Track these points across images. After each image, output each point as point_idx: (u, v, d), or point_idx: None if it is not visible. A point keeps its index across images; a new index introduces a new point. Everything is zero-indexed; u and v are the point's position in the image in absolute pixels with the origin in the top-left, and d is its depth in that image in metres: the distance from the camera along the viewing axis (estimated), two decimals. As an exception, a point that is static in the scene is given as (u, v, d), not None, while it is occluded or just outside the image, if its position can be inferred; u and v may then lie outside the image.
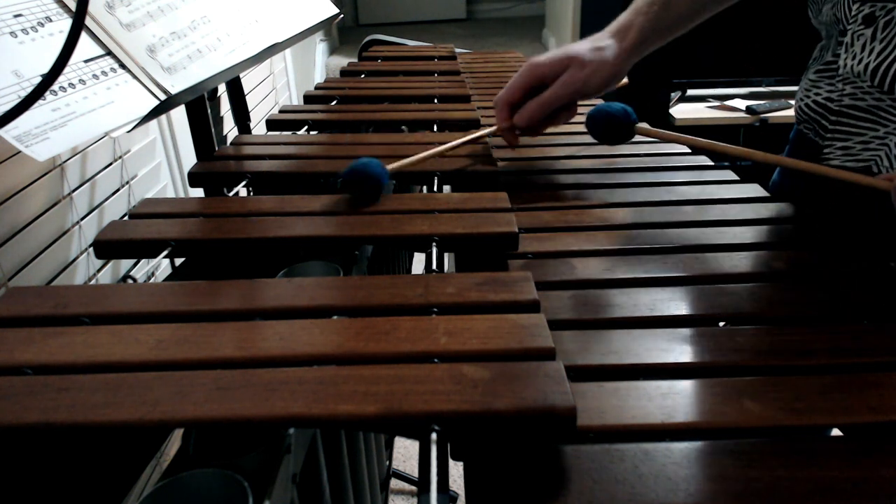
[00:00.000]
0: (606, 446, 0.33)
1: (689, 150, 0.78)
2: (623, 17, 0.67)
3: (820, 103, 0.64)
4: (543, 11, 3.53)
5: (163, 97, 0.63)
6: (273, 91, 2.05)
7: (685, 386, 0.37)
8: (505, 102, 0.68)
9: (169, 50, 0.67)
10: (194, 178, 0.67)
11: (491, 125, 0.89)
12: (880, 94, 0.59)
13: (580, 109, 0.74)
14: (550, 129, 0.87)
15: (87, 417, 0.31)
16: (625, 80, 0.74)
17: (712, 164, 0.74)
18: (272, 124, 0.85)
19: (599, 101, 0.70)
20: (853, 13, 0.59)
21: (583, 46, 0.65)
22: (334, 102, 0.96)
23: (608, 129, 0.70)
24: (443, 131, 0.83)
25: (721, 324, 0.44)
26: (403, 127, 0.87)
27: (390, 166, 0.60)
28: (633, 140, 0.83)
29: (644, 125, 0.70)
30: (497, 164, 0.69)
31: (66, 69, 0.49)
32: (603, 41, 0.66)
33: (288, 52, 2.22)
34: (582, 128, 0.87)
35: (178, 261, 0.56)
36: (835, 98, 0.62)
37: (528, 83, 0.66)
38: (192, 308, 0.41)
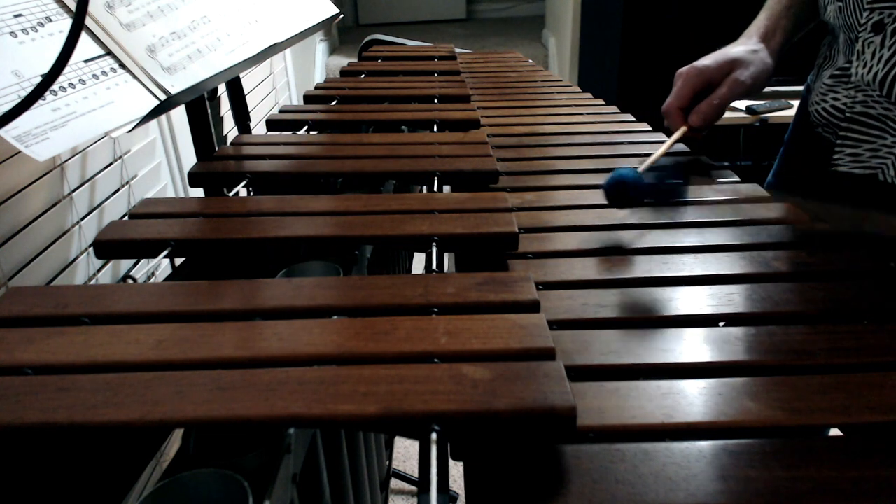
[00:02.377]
0: (606, 446, 0.33)
1: (689, 150, 0.78)
2: (765, 22, 0.72)
3: (837, 108, 0.64)
4: (543, 11, 3.53)
5: (163, 97, 0.63)
6: (273, 91, 2.05)
7: (685, 386, 0.37)
8: (677, 108, 0.70)
9: (169, 50, 0.67)
10: (194, 178, 0.67)
11: (492, 124, 0.89)
12: (889, 104, 0.59)
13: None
14: (552, 130, 0.87)
15: (87, 417, 0.31)
16: None
17: (712, 164, 0.74)
18: (272, 124, 0.85)
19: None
20: (863, 20, 0.59)
21: (741, 49, 0.69)
22: (334, 102, 0.96)
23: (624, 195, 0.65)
24: (443, 131, 0.83)
25: (721, 324, 0.44)
26: (403, 127, 0.87)
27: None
28: (634, 140, 0.83)
29: (646, 164, 0.65)
30: (497, 164, 0.69)
31: (66, 69, 0.49)
32: (755, 45, 0.70)
33: (288, 52, 2.21)
34: (582, 128, 0.88)
35: (178, 261, 0.56)
36: (848, 104, 0.62)
37: (697, 87, 0.68)
38: (192, 308, 0.41)
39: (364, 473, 0.56)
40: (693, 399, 0.36)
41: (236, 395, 0.32)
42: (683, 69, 0.69)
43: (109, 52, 0.62)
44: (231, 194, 0.64)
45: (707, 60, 0.69)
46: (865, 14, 0.59)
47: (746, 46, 0.70)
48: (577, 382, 0.37)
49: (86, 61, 0.59)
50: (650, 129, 0.88)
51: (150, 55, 0.65)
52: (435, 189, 0.65)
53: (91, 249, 0.87)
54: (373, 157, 0.70)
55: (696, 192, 0.66)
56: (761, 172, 0.79)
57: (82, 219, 0.97)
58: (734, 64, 0.68)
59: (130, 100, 0.60)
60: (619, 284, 0.49)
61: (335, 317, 0.40)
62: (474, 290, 0.42)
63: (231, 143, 0.76)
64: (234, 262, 0.55)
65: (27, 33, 0.55)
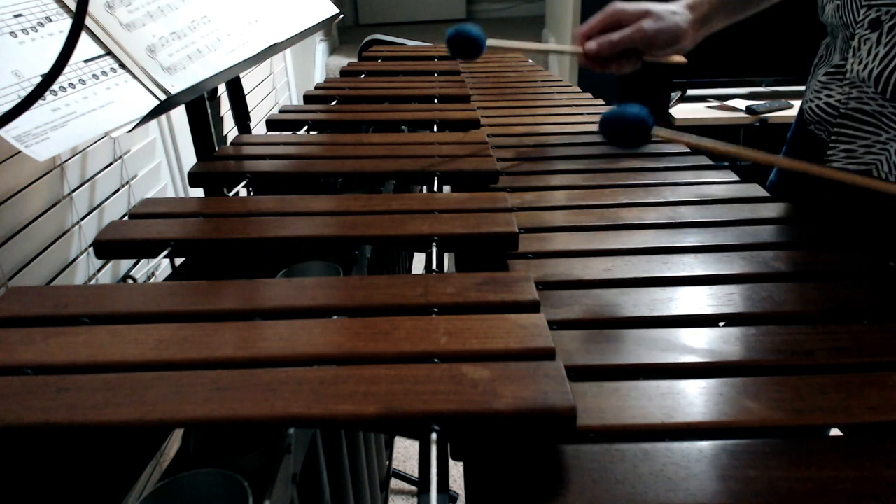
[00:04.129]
0: (606, 446, 0.33)
1: (689, 150, 0.78)
2: None
3: (832, 105, 0.64)
4: (543, 11, 3.53)
5: (163, 97, 0.63)
6: (273, 91, 2.05)
7: (685, 386, 0.37)
8: (582, 35, 0.73)
9: (169, 50, 0.67)
10: (194, 178, 0.67)
11: (492, 124, 0.89)
12: (884, 101, 0.59)
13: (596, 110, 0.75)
14: (552, 130, 0.87)
15: (87, 417, 0.31)
16: (682, 58, 0.78)
17: (712, 163, 0.74)
18: (272, 124, 0.85)
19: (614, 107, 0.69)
20: (860, 17, 0.59)
21: (662, 7, 0.72)
22: (334, 102, 0.96)
23: (624, 133, 0.68)
24: (443, 131, 0.83)
25: (721, 324, 0.44)
26: (403, 127, 0.87)
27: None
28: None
29: (662, 130, 0.69)
30: (497, 163, 0.69)
31: (66, 69, 0.49)
32: (678, 8, 0.72)
33: (288, 52, 2.21)
34: (582, 128, 0.88)
35: (178, 261, 0.55)
36: (842, 101, 0.62)
37: (606, 22, 0.72)
38: (192, 308, 0.41)
39: (364, 473, 0.56)
40: (693, 399, 0.36)
41: (236, 395, 0.32)
42: (611, 5, 0.73)
43: (109, 52, 0.62)
44: (231, 194, 0.64)
45: (628, 4, 0.72)
46: (863, 11, 0.59)
47: (669, 6, 0.73)
48: (577, 382, 0.37)
49: (86, 61, 0.59)
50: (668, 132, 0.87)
51: (150, 55, 0.65)
52: (435, 189, 0.65)
53: (91, 249, 0.87)
54: (373, 157, 0.70)
55: (696, 191, 0.66)
56: (761, 172, 0.79)
57: (82, 219, 0.97)
58: (647, 14, 0.71)
59: (130, 100, 0.60)
60: (619, 284, 0.49)
61: (335, 317, 0.40)
62: (474, 290, 0.42)
63: (231, 143, 0.76)
64: (234, 262, 0.55)
65: (27, 33, 0.55)
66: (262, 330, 0.38)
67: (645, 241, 0.56)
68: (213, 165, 0.69)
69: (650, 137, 0.64)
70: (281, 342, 0.37)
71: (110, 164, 1.06)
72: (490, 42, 0.75)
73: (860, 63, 0.60)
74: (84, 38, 0.60)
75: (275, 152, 0.72)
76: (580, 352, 0.41)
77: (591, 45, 0.72)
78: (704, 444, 0.33)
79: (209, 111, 0.80)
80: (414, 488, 1.43)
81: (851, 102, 0.62)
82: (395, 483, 1.42)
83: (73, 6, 0.60)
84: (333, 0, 1.16)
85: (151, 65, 0.64)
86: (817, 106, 0.66)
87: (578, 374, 0.38)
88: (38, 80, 0.47)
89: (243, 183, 0.65)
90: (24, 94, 0.49)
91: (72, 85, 0.55)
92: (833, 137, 0.64)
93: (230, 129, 1.00)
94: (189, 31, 0.72)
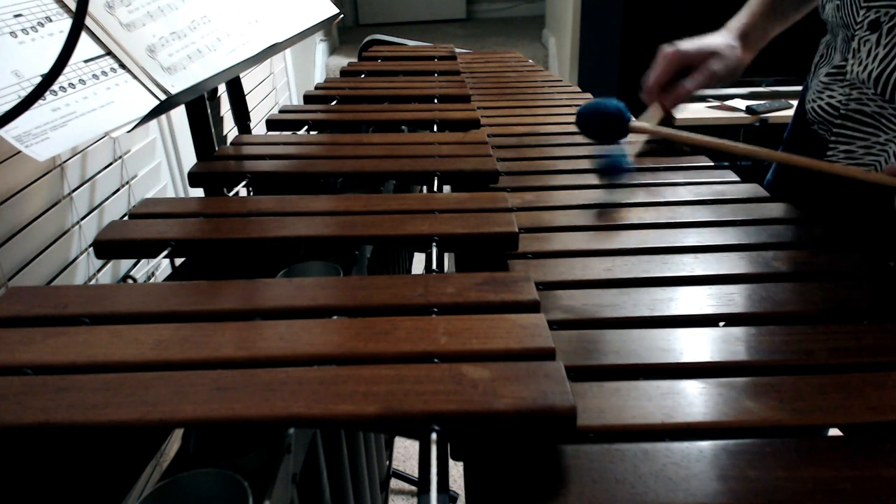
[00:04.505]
0: (606, 446, 0.33)
1: (689, 150, 0.78)
2: (745, 20, 0.76)
3: (833, 105, 0.64)
4: (543, 11, 3.53)
5: (163, 97, 0.63)
6: (273, 91, 2.05)
7: (685, 386, 0.37)
8: (656, 85, 0.74)
9: (169, 50, 0.67)
10: (194, 178, 0.67)
11: (492, 124, 0.90)
12: (883, 102, 0.59)
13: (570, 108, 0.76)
14: (552, 129, 0.87)
15: (86, 417, 0.31)
16: None
17: (712, 164, 0.74)
18: (272, 124, 0.85)
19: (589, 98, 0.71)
20: (860, 18, 0.59)
21: (720, 42, 0.73)
22: (334, 102, 0.96)
23: (601, 126, 0.70)
24: (443, 131, 0.83)
25: (721, 324, 0.44)
26: (403, 127, 0.87)
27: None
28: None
29: (638, 123, 0.71)
30: (497, 164, 0.69)
31: (66, 69, 0.49)
32: (732, 40, 0.74)
33: (288, 52, 2.21)
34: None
35: (178, 261, 0.55)
36: (843, 102, 0.63)
37: (672, 68, 0.72)
38: (192, 308, 0.41)
39: (364, 473, 0.56)
40: (693, 399, 0.36)
41: (236, 395, 0.32)
42: (667, 48, 0.73)
43: (109, 52, 0.62)
44: (231, 194, 0.64)
45: (689, 45, 0.72)
46: (862, 12, 0.59)
47: (725, 40, 0.74)
48: (577, 382, 0.37)
49: (86, 61, 0.59)
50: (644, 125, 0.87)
51: (150, 55, 0.65)
52: (435, 189, 0.65)
53: (91, 249, 0.87)
54: (373, 157, 0.70)
55: (696, 191, 0.66)
56: (761, 172, 0.80)
57: (82, 219, 0.97)
58: (712, 55, 0.72)
59: (130, 100, 0.60)
60: (619, 284, 0.49)
61: (335, 317, 0.40)
62: (474, 290, 0.42)
63: (231, 143, 0.76)
64: (234, 262, 0.55)
65: (27, 33, 0.55)
66: (262, 330, 0.38)
67: (645, 241, 0.56)
68: (213, 165, 0.69)
69: (627, 131, 0.65)
70: (281, 342, 0.37)
71: (110, 164, 1.06)
72: (634, 124, 0.73)
73: (860, 64, 0.60)
74: (84, 38, 0.60)
75: (275, 152, 0.72)
76: (580, 352, 0.41)
77: (669, 100, 0.73)
78: (704, 444, 0.33)
79: (209, 111, 0.80)
80: (414, 488, 1.43)
81: (851, 103, 0.62)
82: (395, 483, 1.42)
83: (73, 6, 0.60)
84: (333, 0, 1.16)
85: (151, 65, 0.64)
86: (819, 106, 0.67)
87: (578, 374, 0.38)
88: (38, 80, 0.47)
89: (243, 183, 0.65)
90: (24, 94, 0.49)
91: (72, 85, 0.55)
92: (833, 138, 0.64)
93: (230, 129, 1.00)
94: (189, 31, 0.72)
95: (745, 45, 0.74)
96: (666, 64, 0.73)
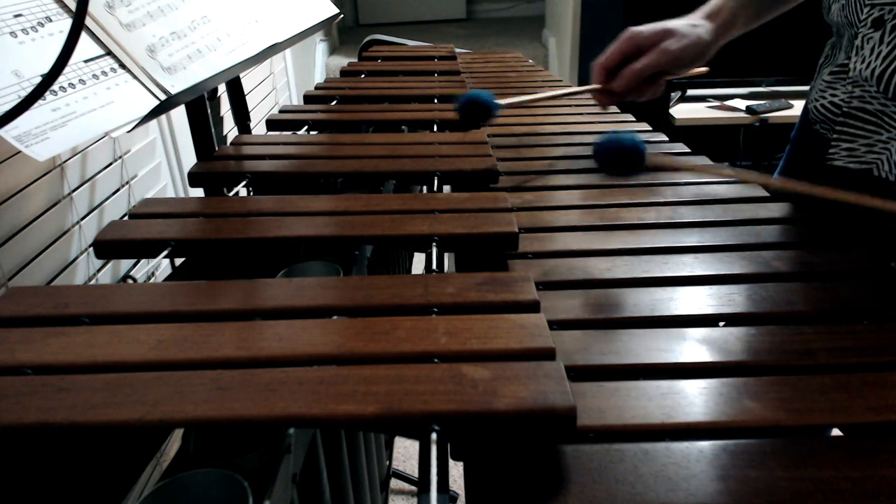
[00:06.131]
0: (606, 446, 0.33)
1: (689, 150, 0.78)
2: (717, 2, 0.72)
3: (835, 104, 0.64)
4: (543, 11, 3.53)
5: (163, 97, 0.63)
6: (273, 91, 2.05)
7: (685, 386, 0.37)
8: (602, 66, 0.70)
9: (169, 50, 0.67)
10: (194, 178, 0.67)
11: (492, 124, 0.90)
12: (885, 100, 0.59)
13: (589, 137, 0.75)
14: (552, 129, 0.87)
15: (86, 417, 0.31)
16: (705, 68, 0.76)
17: (712, 164, 0.74)
18: (272, 124, 0.85)
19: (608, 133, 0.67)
20: (863, 16, 0.59)
21: (680, 22, 0.69)
22: (334, 102, 0.96)
23: (618, 161, 0.66)
24: (443, 131, 0.83)
25: (721, 324, 0.44)
26: (403, 127, 0.87)
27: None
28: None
29: (657, 156, 0.66)
30: (497, 163, 0.69)
31: (66, 69, 0.49)
32: (698, 21, 0.70)
33: (288, 52, 2.21)
34: (582, 128, 0.88)
35: (178, 261, 0.55)
36: (845, 100, 0.62)
37: (625, 50, 0.69)
38: (192, 308, 0.41)
39: (364, 473, 0.56)
40: (693, 399, 0.36)
41: (236, 395, 0.32)
42: (626, 30, 0.69)
43: (109, 52, 0.62)
44: (231, 194, 0.64)
45: (644, 27, 0.69)
46: (866, 10, 0.59)
47: (687, 20, 0.70)
48: (577, 382, 0.37)
49: (86, 61, 0.59)
50: (650, 128, 0.88)
51: (150, 55, 0.65)
52: (435, 189, 0.65)
53: (91, 249, 0.87)
54: (373, 157, 0.70)
55: (696, 191, 0.66)
56: (761, 172, 0.80)
57: (82, 219, 0.97)
58: (667, 34, 0.68)
59: (130, 100, 0.60)
60: (619, 284, 0.49)
61: (335, 317, 0.40)
62: (474, 290, 0.42)
63: (231, 143, 0.76)
64: (234, 262, 0.55)
65: (27, 33, 0.55)
66: (262, 330, 0.38)
67: (645, 241, 0.56)
68: (213, 165, 0.69)
69: (644, 165, 0.61)
70: (281, 342, 0.37)
71: (110, 164, 1.06)
72: (504, 101, 0.72)
73: (863, 62, 0.60)
74: (84, 38, 0.60)
75: (275, 152, 0.72)
76: (580, 352, 0.41)
77: (617, 83, 0.69)
78: (704, 444, 0.33)
79: (209, 111, 0.80)
80: (414, 488, 1.43)
81: (854, 101, 0.62)
82: (395, 483, 1.42)
83: (73, 6, 0.60)
84: (333, 0, 1.16)
85: (151, 65, 0.64)
86: (822, 105, 0.66)
87: (578, 374, 0.38)
88: (38, 80, 0.47)
89: (243, 183, 0.65)
90: (24, 94, 0.49)
91: (72, 85, 0.55)
92: (835, 136, 0.64)
93: (230, 129, 1.00)
94: (189, 31, 0.72)
95: (713, 24, 0.70)
96: (617, 45, 0.69)
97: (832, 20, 0.67)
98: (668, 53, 0.67)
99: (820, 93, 0.67)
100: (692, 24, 0.69)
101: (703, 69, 0.76)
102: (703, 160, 0.75)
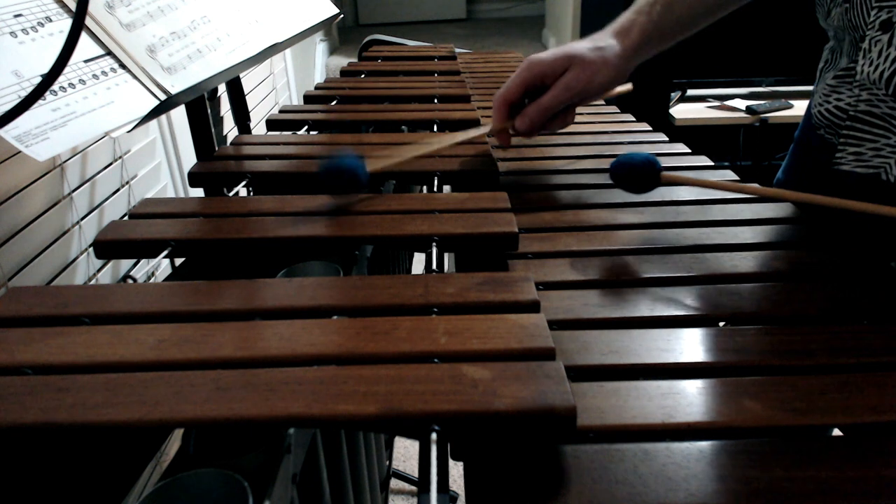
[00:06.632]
0: (606, 446, 0.33)
1: (689, 151, 0.78)
2: (625, 17, 0.66)
3: (841, 108, 0.63)
4: (543, 11, 3.53)
5: (163, 97, 0.63)
6: (273, 91, 2.05)
7: (685, 386, 0.37)
8: (503, 101, 0.66)
9: (169, 50, 0.67)
10: (194, 178, 0.67)
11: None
12: (894, 103, 0.59)
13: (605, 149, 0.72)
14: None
15: (87, 417, 0.31)
16: (628, 85, 0.72)
17: (712, 164, 0.74)
18: (272, 124, 0.85)
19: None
20: (871, 19, 0.58)
21: (583, 46, 0.64)
22: (334, 102, 0.96)
23: (631, 179, 0.62)
24: (443, 131, 0.83)
25: (721, 324, 0.44)
26: (403, 127, 0.87)
27: (370, 167, 0.57)
28: (634, 140, 0.83)
29: (671, 174, 0.62)
30: (497, 164, 0.69)
31: (67, 69, 0.49)
32: (604, 41, 0.64)
33: (288, 52, 2.22)
34: (582, 128, 0.88)
35: (178, 261, 0.55)
36: (852, 104, 0.62)
37: (526, 82, 0.64)
38: (192, 308, 0.41)
39: (364, 473, 0.56)
40: (693, 399, 0.36)
41: (236, 395, 0.32)
42: (527, 59, 0.64)
43: (109, 52, 0.62)
44: (231, 194, 0.64)
45: (545, 54, 0.63)
46: (874, 12, 0.58)
47: (593, 43, 0.64)
48: (577, 382, 0.37)
49: (86, 61, 0.59)
50: (650, 128, 0.88)
51: (150, 55, 0.65)
52: (435, 189, 0.65)
53: (91, 249, 0.87)
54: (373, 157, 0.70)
55: (696, 192, 0.66)
56: (761, 172, 0.80)
57: (82, 219, 0.97)
58: (570, 61, 0.62)
59: (130, 100, 0.60)
60: (619, 284, 0.49)
61: (335, 317, 0.40)
62: (474, 290, 0.42)
63: (231, 143, 0.76)
64: (234, 262, 0.55)
65: (27, 33, 0.55)
66: (262, 330, 0.38)
67: (645, 241, 0.56)
68: (213, 165, 0.69)
69: (659, 181, 0.60)
70: (281, 342, 0.37)
71: (110, 164, 1.06)
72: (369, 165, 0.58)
73: (870, 65, 0.59)
74: (84, 38, 0.60)
75: (275, 152, 0.72)
76: (580, 352, 0.41)
77: (520, 122, 0.64)
78: (704, 444, 0.33)
79: (209, 111, 0.80)
80: (414, 488, 1.43)
81: (861, 105, 0.62)
82: (395, 483, 1.42)
83: (73, 6, 0.60)
84: (333, 0, 1.16)
85: (151, 65, 0.64)
86: (826, 110, 0.66)
87: (578, 374, 0.38)
88: (38, 80, 0.47)
89: (243, 183, 0.65)
90: (24, 94, 0.49)
91: (72, 85, 0.55)
92: (841, 140, 0.64)
93: (230, 129, 1.00)
94: (189, 31, 0.72)
95: (623, 44, 0.64)
96: (518, 76, 0.64)
97: (831, 24, 0.66)
98: (573, 86, 0.62)
99: (823, 97, 0.67)
100: (598, 47, 0.63)
101: (627, 88, 0.72)
102: (703, 160, 0.75)
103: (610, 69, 0.63)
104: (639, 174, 0.59)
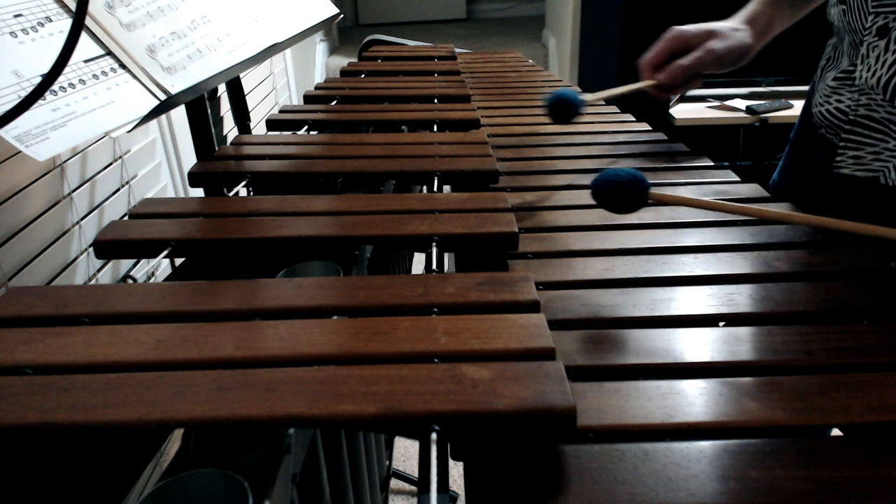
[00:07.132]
0: (606, 446, 0.33)
1: (689, 151, 0.78)
2: (751, 8, 0.76)
3: (841, 110, 0.64)
4: (543, 11, 3.53)
5: (163, 97, 0.63)
6: (273, 91, 2.05)
7: (685, 386, 0.37)
8: (649, 63, 0.74)
9: (169, 50, 0.67)
10: (194, 178, 0.67)
11: (492, 124, 0.89)
12: (892, 108, 0.59)
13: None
14: (552, 129, 0.87)
15: (87, 417, 0.31)
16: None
17: (712, 164, 0.74)
18: (272, 124, 0.85)
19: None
20: (868, 24, 0.59)
21: (723, 25, 0.73)
22: (334, 102, 0.96)
23: (618, 197, 0.55)
24: (443, 131, 0.83)
25: (721, 324, 0.44)
26: (403, 127, 0.87)
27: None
28: (633, 140, 0.83)
29: (658, 193, 0.56)
30: (497, 163, 0.69)
31: (67, 69, 0.49)
32: (737, 24, 0.74)
33: (288, 52, 2.21)
34: (582, 128, 0.88)
35: (178, 261, 0.55)
36: (852, 107, 0.62)
37: (673, 47, 0.73)
38: (192, 308, 0.41)
39: (364, 473, 0.56)
40: (693, 399, 0.36)
41: (236, 395, 0.32)
42: (671, 30, 0.73)
43: (109, 52, 0.62)
44: (231, 194, 0.64)
45: (689, 26, 0.73)
46: (870, 18, 0.58)
47: (729, 24, 0.74)
48: (577, 382, 0.37)
49: (86, 61, 0.59)
50: (650, 128, 0.88)
51: (150, 55, 0.65)
52: (435, 189, 0.65)
53: (91, 249, 0.87)
54: (373, 157, 0.70)
55: (696, 191, 0.66)
56: (761, 172, 0.80)
57: (82, 219, 0.97)
58: (712, 34, 0.71)
59: (130, 100, 0.60)
60: (619, 284, 0.49)
61: (335, 317, 0.40)
62: (474, 290, 0.42)
63: (231, 143, 0.76)
64: (234, 262, 0.55)
65: (27, 33, 0.55)
66: (262, 330, 0.38)
67: (645, 241, 0.56)
68: (213, 165, 0.69)
69: (646, 200, 0.56)
70: (281, 342, 0.37)
71: (110, 164, 1.06)
72: (588, 97, 0.74)
73: (868, 70, 0.59)
74: (84, 38, 0.60)
75: (275, 152, 0.72)
76: (580, 352, 0.41)
77: (663, 76, 0.73)
78: (704, 444, 0.33)
79: (209, 111, 0.80)
80: (414, 488, 1.43)
81: (861, 109, 0.62)
82: (395, 483, 1.42)
83: (73, 6, 0.60)
84: (333, 0, 1.16)
85: (151, 65, 0.64)
86: (827, 111, 0.66)
87: (578, 374, 0.38)
88: (38, 80, 0.47)
89: (243, 183, 0.65)
90: (24, 94, 0.49)
91: (72, 85, 0.55)
92: (842, 143, 0.64)
93: (230, 129, 1.00)
94: (189, 31, 0.72)
95: (753, 29, 0.74)
96: (664, 43, 0.73)
97: (832, 21, 0.67)
98: (714, 53, 0.71)
99: (825, 97, 0.67)
100: (734, 28, 0.73)
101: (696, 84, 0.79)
102: (703, 160, 0.75)
103: (743, 48, 0.73)
104: (624, 193, 0.53)
